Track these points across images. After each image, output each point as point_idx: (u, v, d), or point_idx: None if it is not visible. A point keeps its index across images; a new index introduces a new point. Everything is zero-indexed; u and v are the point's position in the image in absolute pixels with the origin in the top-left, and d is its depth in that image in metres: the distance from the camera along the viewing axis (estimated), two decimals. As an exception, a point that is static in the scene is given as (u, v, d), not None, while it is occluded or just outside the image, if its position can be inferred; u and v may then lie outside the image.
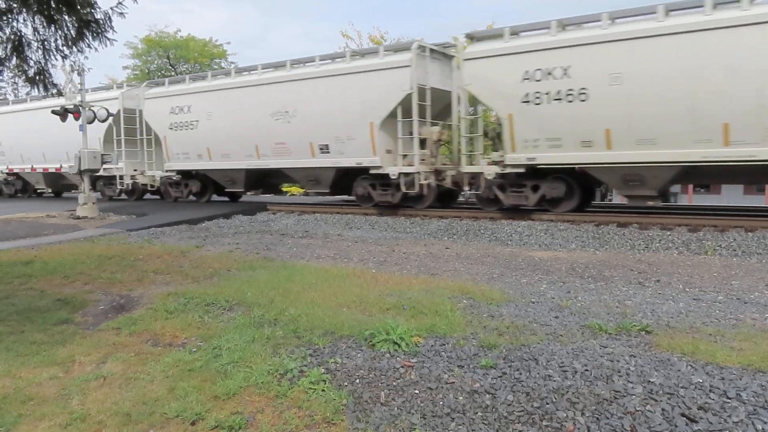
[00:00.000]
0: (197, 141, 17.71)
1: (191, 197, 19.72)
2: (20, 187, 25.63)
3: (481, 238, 11.12)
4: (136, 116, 19.53)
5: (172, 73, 38.14)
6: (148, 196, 22.29)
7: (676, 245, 9.56)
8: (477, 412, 3.43)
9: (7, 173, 25.05)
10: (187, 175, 19.25)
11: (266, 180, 18.55)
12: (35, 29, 7.17)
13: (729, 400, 3.33)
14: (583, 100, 11.23)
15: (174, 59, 41.51)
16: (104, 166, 17.51)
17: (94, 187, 21.12)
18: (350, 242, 10.55)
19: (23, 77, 7.63)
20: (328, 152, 14.89)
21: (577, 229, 11.09)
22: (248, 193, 20.43)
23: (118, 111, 18.83)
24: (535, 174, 12.55)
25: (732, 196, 24.79)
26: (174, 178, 19.42)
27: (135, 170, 19.94)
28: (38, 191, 25.83)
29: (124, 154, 19.53)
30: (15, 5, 6.94)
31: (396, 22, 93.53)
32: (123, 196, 21.93)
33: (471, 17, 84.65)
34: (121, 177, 20.13)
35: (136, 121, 19.50)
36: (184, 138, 18.06)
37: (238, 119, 16.46)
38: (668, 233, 10.25)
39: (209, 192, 19.39)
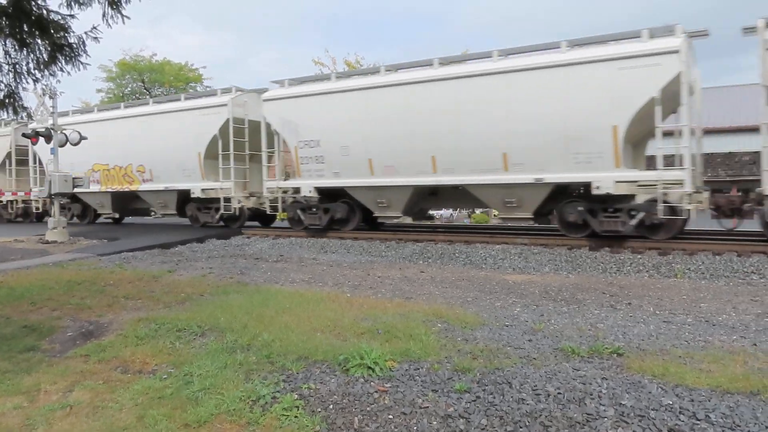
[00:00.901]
0: None
1: None
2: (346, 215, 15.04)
3: (455, 262, 11.17)
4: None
5: (147, 97, 37.92)
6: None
7: (647, 268, 9.72)
8: (451, 437, 3.42)
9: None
10: None
11: None
12: (6, 52, 7.11)
13: (698, 422, 3.38)
14: None
15: (149, 83, 41.33)
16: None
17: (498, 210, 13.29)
18: (325, 266, 10.51)
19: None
20: None
21: (550, 252, 11.22)
22: None
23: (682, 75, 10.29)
24: None
25: (700, 219, 25.40)
26: None
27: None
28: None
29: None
30: (-14, 29, 6.88)
31: (371, 47, 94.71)
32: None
33: (445, 42, 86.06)
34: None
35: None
36: None
37: None
38: (639, 257, 10.42)
39: None
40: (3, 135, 23.12)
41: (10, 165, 23.01)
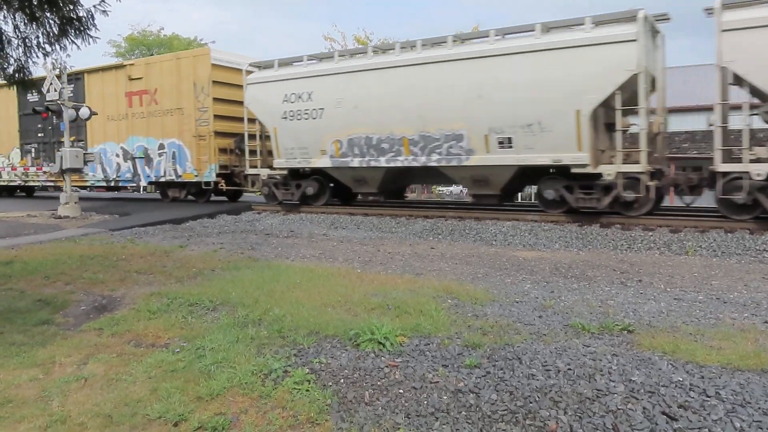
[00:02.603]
0: None
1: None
2: None
3: (466, 238, 11.16)
4: None
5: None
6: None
7: (658, 245, 9.67)
8: (461, 412, 3.44)
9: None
10: None
11: None
12: (16, 26, 7.08)
13: (708, 399, 3.38)
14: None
15: (157, 57, 41.20)
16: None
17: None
18: (335, 242, 10.54)
19: (1, 74, 7.54)
20: None
21: (561, 229, 11.17)
22: None
23: None
24: None
25: (712, 197, 25.37)
26: None
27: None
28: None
29: None
30: (-4, 2, 6.85)
31: (379, 22, 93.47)
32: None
33: (456, 17, 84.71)
34: None
35: None
36: None
37: None
38: (650, 234, 10.35)
39: None
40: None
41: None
